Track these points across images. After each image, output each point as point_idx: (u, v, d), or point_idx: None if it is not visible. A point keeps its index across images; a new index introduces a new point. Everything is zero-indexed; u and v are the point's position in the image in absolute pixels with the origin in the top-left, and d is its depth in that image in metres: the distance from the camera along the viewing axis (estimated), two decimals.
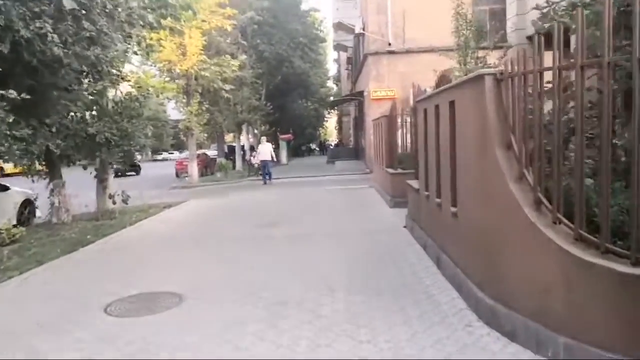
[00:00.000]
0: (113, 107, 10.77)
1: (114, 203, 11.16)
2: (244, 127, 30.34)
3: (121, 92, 11.65)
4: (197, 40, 19.77)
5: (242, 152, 29.55)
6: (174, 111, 28.72)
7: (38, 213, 10.93)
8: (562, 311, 2.98)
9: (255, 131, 31.71)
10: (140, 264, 6.64)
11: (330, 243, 7.15)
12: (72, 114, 10.14)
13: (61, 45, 7.28)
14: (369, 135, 20.07)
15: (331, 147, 48.53)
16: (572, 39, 3.44)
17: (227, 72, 22.09)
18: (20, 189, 10.57)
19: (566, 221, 3.13)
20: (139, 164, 37.06)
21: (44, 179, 10.64)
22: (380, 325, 3.87)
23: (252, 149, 28.43)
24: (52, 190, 10.45)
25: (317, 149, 59.58)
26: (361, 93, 24.19)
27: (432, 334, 3.64)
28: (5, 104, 7.06)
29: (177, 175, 26.64)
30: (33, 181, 10.54)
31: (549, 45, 3.26)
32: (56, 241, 8.36)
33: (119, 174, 29.32)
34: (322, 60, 45.90)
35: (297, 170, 26.47)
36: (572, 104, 3.97)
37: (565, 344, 2.92)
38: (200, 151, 30.02)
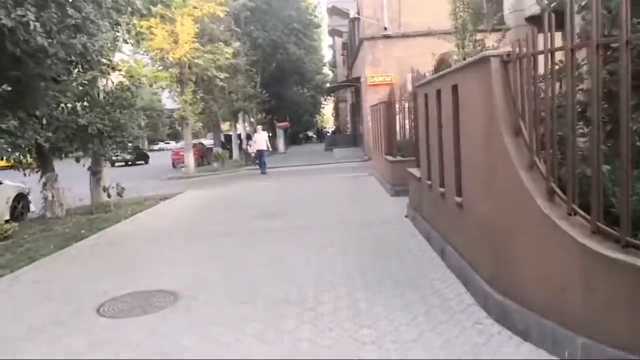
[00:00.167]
0: (104, 97, 10.48)
1: (109, 196, 10.93)
2: (240, 115, 30.01)
3: (112, 82, 11.34)
4: (189, 27, 19.43)
5: (238, 141, 29.28)
6: (168, 100, 28.42)
7: (32, 207, 10.74)
8: (580, 309, 2.80)
9: (252, 119, 31.35)
10: (134, 260, 6.46)
11: (330, 235, 6.94)
12: (62, 105, 9.84)
13: (44, 35, 6.97)
14: (366, 122, 19.81)
15: (329, 135, 48.12)
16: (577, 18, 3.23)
17: (221, 59, 21.78)
18: (12, 182, 10.34)
19: (582, 212, 2.93)
20: (148, 153, 37.08)
21: (36, 172, 10.41)
22: (385, 324, 3.68)
23: (249, 137, 28.18)
24: (44, 184, 10.21)
25: (315, 136, 58.99)
26: (358, 79, 23.86)
27: (441, 333, 3.45)
28: None
29: (174, 166, 26.42)
30: (25, 175, 10.31)
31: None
32: (50, 236, 8.19)
33: (129, 163, 29.31)
34: (317, 46, 45.28)
35: (295, 158, 26.25)
36: (580, 86, 3.80)
37: (583, 345, 2.74)
38: (196, 141, 29.77)
